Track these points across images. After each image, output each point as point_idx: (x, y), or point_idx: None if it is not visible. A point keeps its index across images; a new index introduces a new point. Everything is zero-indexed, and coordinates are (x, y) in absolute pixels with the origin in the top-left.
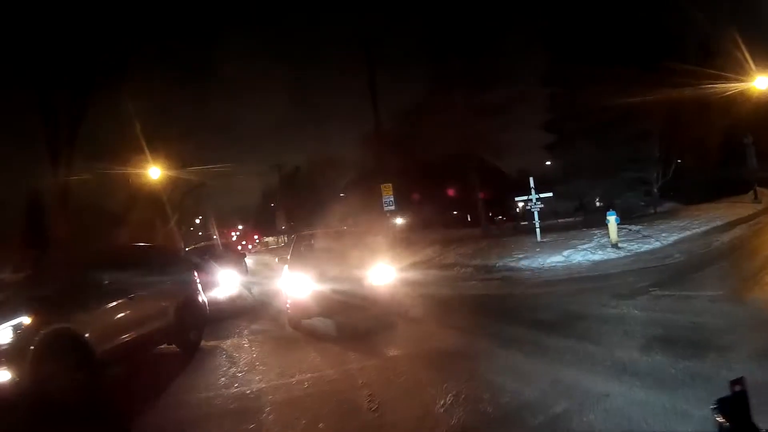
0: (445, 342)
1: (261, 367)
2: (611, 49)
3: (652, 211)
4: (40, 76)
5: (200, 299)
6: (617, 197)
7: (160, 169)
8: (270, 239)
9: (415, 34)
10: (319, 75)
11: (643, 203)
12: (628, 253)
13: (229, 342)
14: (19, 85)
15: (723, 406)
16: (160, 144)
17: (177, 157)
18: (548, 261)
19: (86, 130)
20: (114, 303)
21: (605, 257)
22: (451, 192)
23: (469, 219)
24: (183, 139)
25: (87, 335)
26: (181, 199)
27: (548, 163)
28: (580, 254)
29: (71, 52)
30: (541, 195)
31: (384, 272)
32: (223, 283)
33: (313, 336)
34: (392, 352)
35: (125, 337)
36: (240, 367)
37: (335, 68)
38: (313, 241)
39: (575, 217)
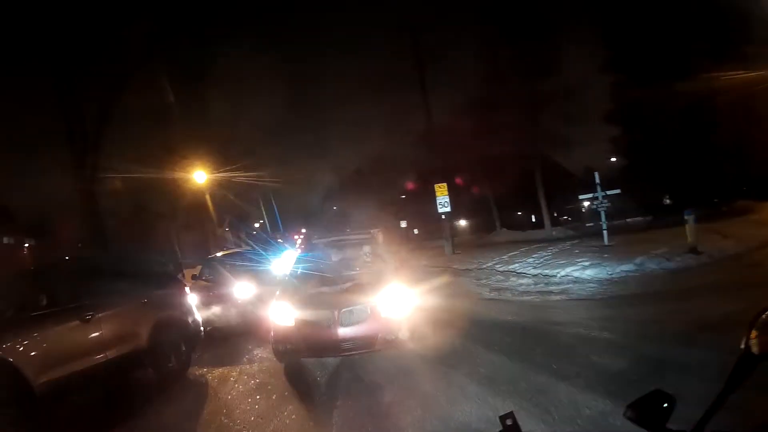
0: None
1: (224, 420)
2: (679, 31)
3: (725, 208)
4: (63, 75)
5: (188, 318)
6: (690, 194)
7: (205, 173)
8: None
9: (469, 21)
10: (376, 71)
11: (716, 200)
12: (709, 260)
13: (218, 372)
14: (43, 83)
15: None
16: (216, 148)
17: (231, 161)
18: (618, 270)
19: (134, 133)
20: (63, 325)
21: (683, 264)
22: (512, 192)
23: (533, 220)
24: (242, 143)
25: (19, 364)
26: (234, 201)
27: (613, 159)
28: (655, 262)
29: (96, 51)
30: (608, 192)
31: (397, 297)
32: (240, 294)
33: (299, 379)
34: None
35: (77, 365)
36: (204, 415)
37: (393, 63)
38: (317, 254)
39: (643, 216)
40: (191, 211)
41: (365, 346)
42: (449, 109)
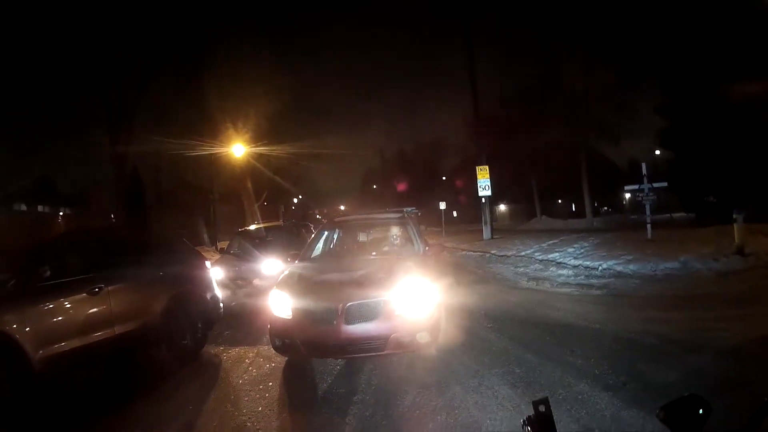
0: None
1: (230, 408)
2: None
3: None
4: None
5: (207, 294)
6: (738, 193)
7: (244, 146)
8: None
9: (520, 8)
10: (424, 55)
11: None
12: (758, 262)
13: (233, 352)
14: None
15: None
16: (258, 124)
17: (274, 138)
18: (661, 267)
19: (173, 109)
20: (69, 297)
21: (730, 266)
22: (555, 180)
23: (573, 209)
24: (283, 120)
25: (18, 336)
26: (274, 177)
27: (657, 152)
28: (700, 261)
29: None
30: (654, 185)
31: (418, 290)
32: (267, 270)
33: (317, 366)
34: None
35: (82, 340)
36: (209, 402)
37: (441, 48)
38: (337, 236)
39: (686, 212)
40: (229, 185)
41: (374, 348)
42: (497, 95)
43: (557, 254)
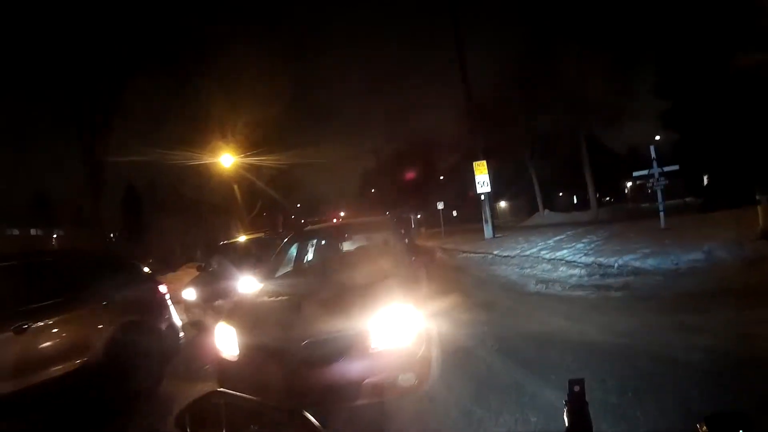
0: None
1: None
2: None
3: None
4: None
5: (162, 324)
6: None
7: (232, 155)
8: None
9: None
10: (418, 53)
11: None
12: None
13: (195, 390)
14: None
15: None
16: (249, 132)
17: (266, 146)
18: (684, 259)
19: (165, 117)
20: None
21: (758, 253)
22: (555, 171)
23: (575, 201)
24: (275, 127)
25: None
26: (266, 186)
27: (658, 137)
28: (725, 250)
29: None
30: (665, 168)
31: (402, 319)
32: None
33: None
34: None
35: (7, 386)
36: None
37: (435, 44)
38: (307, 248)
39: (693, 197)
40: (223, 196)
41: (345, 397)
42: (491, 84)
43: (566, 251)
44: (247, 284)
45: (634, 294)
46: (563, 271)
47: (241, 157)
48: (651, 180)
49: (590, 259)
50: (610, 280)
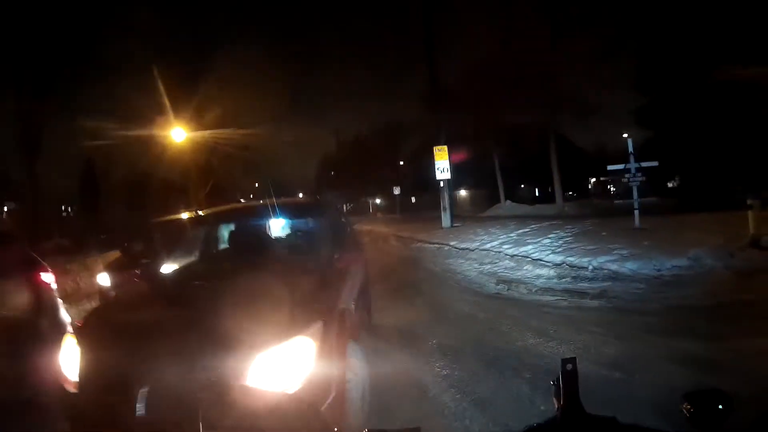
0: None
1: None
2: None
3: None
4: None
5: (41, 321)
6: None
7: (184, 130)
8: None
9: None
10: (378, 33)
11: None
12: None
13: None
14: None
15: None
16: (199, 106)
17: (218, 122)
18: (667, 265)
19: (108, 88)
20: None
21: (750, 263)
22: (519, 163)
23: (537, 194)
24: (233, 103)
25: None
26: (221, 165)
27: (625, 135)
28: (713, 257)
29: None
30: (643, 164)
31: (302, 355)
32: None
33: None
34: None
35: None
36: None
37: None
38: (206, 237)
39: (649, 197)
40: (176, 173)
41: None
42: (460, 70)
43: (531, 247)
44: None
45: (613, 304)
46: (528, 270)
47: (195, 132)
48: (627, 175)
49: (559, 258)
50: (583, 285)
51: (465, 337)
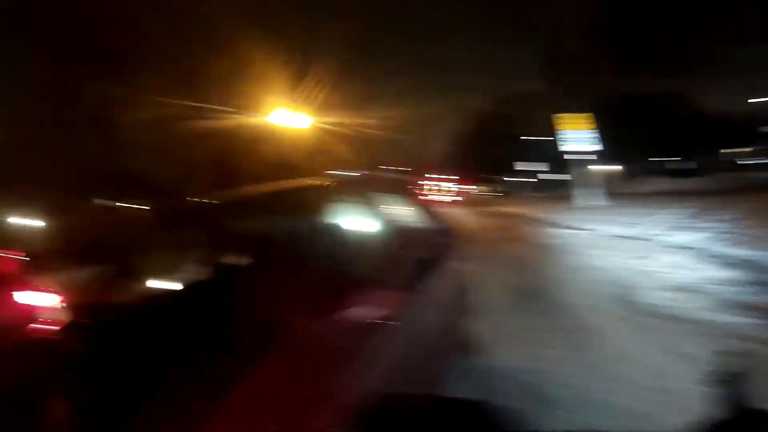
0: None
1: None
2: None
3: None
4: None
5: None
6: None
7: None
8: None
9: None
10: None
11: None
12: None
13: None
14: None
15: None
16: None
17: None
18: None
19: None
20: None
21: None
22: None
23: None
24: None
25: None
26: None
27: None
28: None
29: None
30: None
31: None
32: None
33: None
34: None
35: None
36: None
37: None
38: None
39: None
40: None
41: None
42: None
43: (691, 235)
44: None
45: None
46: (697, 269)
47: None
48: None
49: (738, 252)
50: None
51: (617, 402)
